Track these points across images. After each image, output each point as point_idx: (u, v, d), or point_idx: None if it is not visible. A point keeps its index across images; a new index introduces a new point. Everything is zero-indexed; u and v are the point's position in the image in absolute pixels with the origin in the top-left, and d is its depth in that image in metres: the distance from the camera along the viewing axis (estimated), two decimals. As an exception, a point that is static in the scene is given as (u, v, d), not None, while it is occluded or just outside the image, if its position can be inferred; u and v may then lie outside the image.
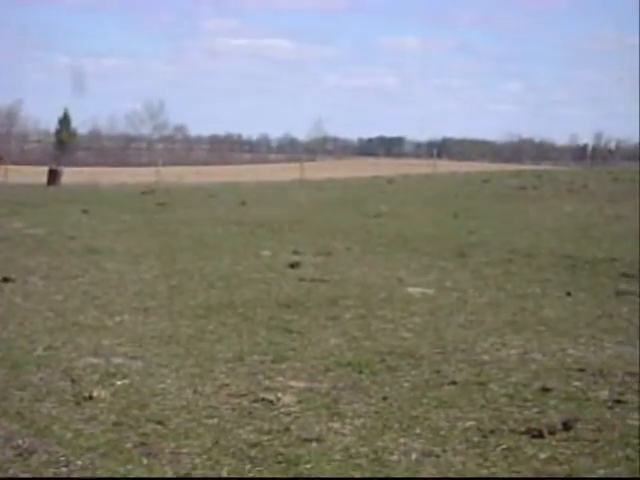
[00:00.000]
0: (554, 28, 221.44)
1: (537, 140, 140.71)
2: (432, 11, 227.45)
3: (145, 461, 5.59)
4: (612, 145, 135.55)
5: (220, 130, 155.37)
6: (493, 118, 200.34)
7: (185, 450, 5.79)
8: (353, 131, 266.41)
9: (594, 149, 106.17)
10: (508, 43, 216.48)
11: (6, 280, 12.15)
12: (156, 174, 46.74)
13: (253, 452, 5.77)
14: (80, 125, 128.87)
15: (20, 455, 5.65)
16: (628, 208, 27.28)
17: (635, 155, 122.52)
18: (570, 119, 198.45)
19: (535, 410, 6.76)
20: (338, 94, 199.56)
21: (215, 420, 6.44)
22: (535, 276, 13.62)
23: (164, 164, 53.69)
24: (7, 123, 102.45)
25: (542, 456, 5.76)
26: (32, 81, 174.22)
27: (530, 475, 5.47)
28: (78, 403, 6.78)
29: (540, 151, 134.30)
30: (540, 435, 6.08)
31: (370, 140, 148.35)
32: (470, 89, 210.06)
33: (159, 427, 6.24)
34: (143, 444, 5.89)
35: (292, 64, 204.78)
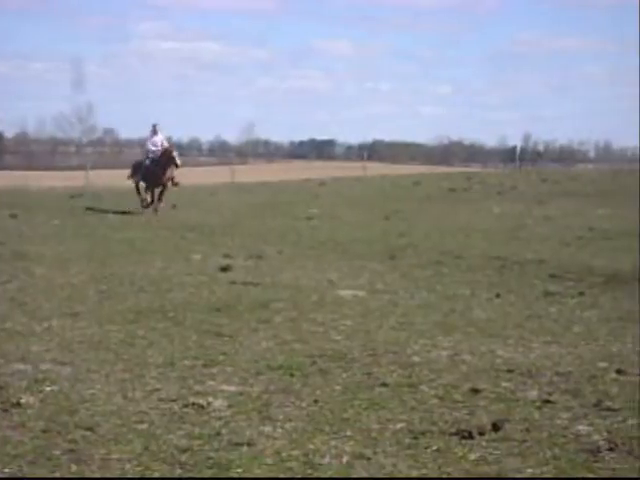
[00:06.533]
0: (481, 31, 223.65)
1: (467, 142, 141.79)
2: (363, 15, 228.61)
3: (74, 468, 5.54)
4: (540, 147, 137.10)
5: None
6: (423, 121, 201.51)
7: (115, 456, 5.74)
8: (284, 134, 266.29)
9: (523, 151, 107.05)
10: (437, 46, 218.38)
11: None
12: (85, 178, 46.32)
13: (184, 457, 5.74)
14: (6, 128, 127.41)
15: (-54, 464, 5.56)
16: (556, 209, 27.62)
17: (562, 157, 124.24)
18: (499, 121, 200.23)
19: (465, 411, 6.81)
20: (269, 97, 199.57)
21: (145, 425, 6.40)
22: (465, 278, 13.73)
23: (93, 167, 53.15)
24: None
25: (472, 457, 5.81)
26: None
27: (460, 476, 5.52)
28: (6, 410, 6.69)
29: (470, 153, 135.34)
30: (470, 436, 6.13)
31: (301, 143, 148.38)
32: (400, 92, 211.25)
33: (88, 433, 6.19)
34: (72, 451, 5.83)
35: (223, 67, 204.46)
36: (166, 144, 27.31)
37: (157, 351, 8.65)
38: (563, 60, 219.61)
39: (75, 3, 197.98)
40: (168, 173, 26.30)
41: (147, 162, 26.75)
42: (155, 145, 27.07)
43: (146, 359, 8.33)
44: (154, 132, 27.49)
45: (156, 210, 26.01)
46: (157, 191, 26.63)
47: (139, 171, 27.06)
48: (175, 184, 26.93)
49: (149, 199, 26.67)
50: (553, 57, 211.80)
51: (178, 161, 26.52)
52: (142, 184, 27.01)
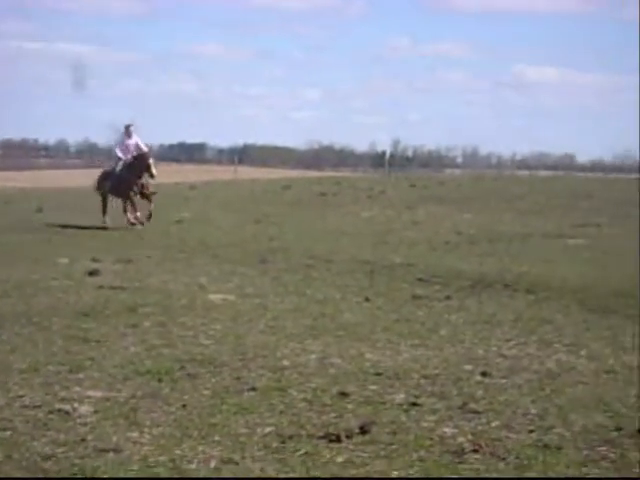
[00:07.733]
0: (350, 35, 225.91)
1: (337, 147, 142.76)
2: (231, 18, 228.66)
3: None
4: (409, 152, 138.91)
5: (15, 135, 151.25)
6: (294, 125, 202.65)
7: (-24, 465, 5.60)
8: (154, 137, 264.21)
9: (392, 156, 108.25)
10: (306, 50, 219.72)
11: None
12: (-52, 180, 45.19)
13: (47, 465, 5.63)
14: None
15: None
16: (424, 214, 28.03)
17: (431, 162, 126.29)
18: (369, 126, 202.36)
19: (333, 415, 6.84)
20: (139, 99, 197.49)
21: (8, 433, 6.25)
22: (335, 281, 13.80)
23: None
24: None
25: (339, 460, 5.84)
26: None
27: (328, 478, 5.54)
28: None
29: (340, 158, 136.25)
30: (337, 439, 6.16)
31: (171, 146, 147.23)
32: (270, 96, 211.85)
33: (-52, 442, 6.02)
34: None
35: (90, 68, 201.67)
36: (143, 148, 23.69)
37: (21, 356, 8.46)
38: (430, 65, 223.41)
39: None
40: (142, 180, 23.03)
41: (118, 169, 23.26)
42: (128, 150, 23.38)
43: (9, 365, 8.14)
44: (128, 135, 23.59)
45: (149, 218, 22.90)
46: (135, 200, 23.13)
47: (108, 180, 23.46)
48: (151, 193, 23.47)
49: (130, 217, 23.09)
50: (420, 62, 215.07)
51: (154, 171, 23.11)
52: (110, 197, 23.63)
